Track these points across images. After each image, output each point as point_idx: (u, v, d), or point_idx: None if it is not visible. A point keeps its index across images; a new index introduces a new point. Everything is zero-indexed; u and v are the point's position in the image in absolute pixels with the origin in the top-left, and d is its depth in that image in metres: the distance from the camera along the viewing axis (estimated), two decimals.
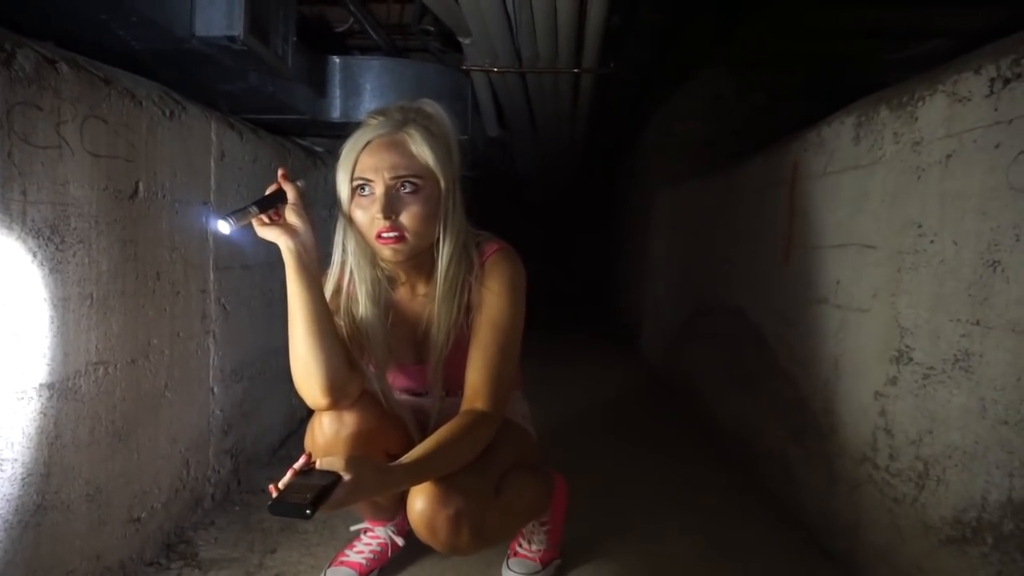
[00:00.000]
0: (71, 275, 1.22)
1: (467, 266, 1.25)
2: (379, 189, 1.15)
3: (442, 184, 1.19)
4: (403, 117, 1.20)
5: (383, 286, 1.28)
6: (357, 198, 1.17)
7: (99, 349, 1.31)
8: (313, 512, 0.89)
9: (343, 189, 1.18)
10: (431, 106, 1.25)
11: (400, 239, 1.16)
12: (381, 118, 1.20)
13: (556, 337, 4.99)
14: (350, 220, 1.19)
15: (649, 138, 4.60)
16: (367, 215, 1.16)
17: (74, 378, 1.24)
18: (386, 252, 1.18)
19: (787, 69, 3.73)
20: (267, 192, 1.12)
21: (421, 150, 1.17)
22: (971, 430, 1.19)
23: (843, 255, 1.65)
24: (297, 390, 1.19)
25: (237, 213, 1.06)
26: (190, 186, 1.62)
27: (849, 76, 3.42)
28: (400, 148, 1.17)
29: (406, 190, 1.16)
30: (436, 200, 1.19)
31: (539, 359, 3.89)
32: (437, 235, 1.21)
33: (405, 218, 1.16)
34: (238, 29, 1.66)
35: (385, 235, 1.15)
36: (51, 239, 1.17)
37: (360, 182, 1.16)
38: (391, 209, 1.14)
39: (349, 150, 1.18)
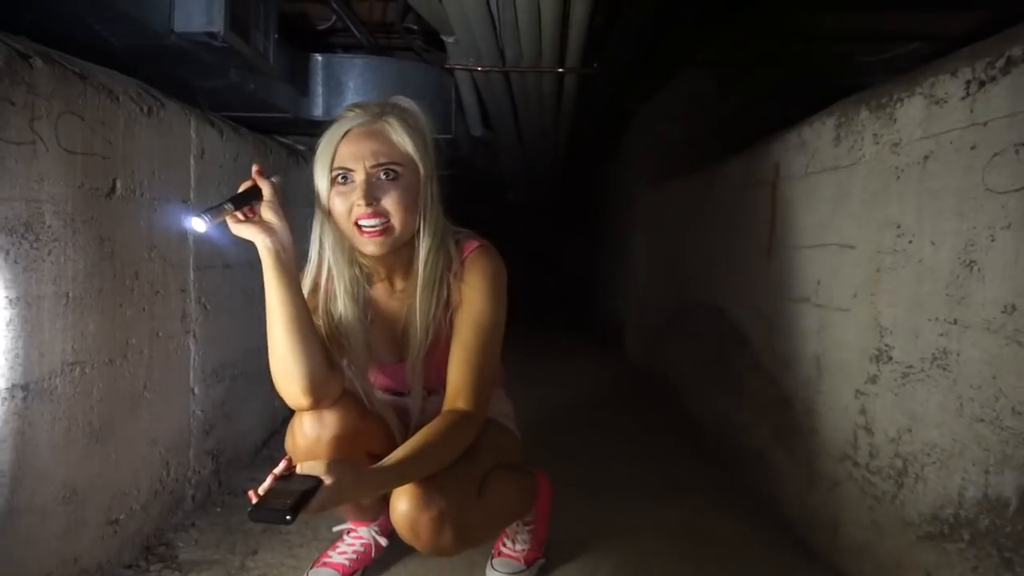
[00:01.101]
0: (46, 273, 1.20)
1: (446, 261, 1.24)
2: (359, 177, 1.14)
3: (421, 173, 1.19)
4: (380, 109, 1.20)
5: (361, 283, 1.27)
6: (336, 187, 1.16)
7: (75, 349, 1.29)
8: (294, 517, 0.88)
9: (322, 181, 1.16)
10: (406, 101, 1.25)
11: (384, 230, 1.15)
12: (358, 110, 1.19)
13: (539, 336, 4.99)
14: (328, 213, 1.18)
15: (632, 138, 4.61)
16: (347, 203, 1.15)
17: (49, 378, 1.22)
18: (369, 247, 1.16)
19: (768, 70, 3.76)
20: (241, 189, 1.11)
21: (400, 138, 1.17)
22: (948, 428, 1.20)
23: (824, 255, 1.66)
24: (277, 390, 1.17)
25: (212, 210, 1.04)
26: (169, 184, 1.60)
27: (829, 78, 3.45)
28: (380, 136, 1.16)
29: (387, 177, 1.15)
30: (416, 189, 1.18)
31: (522, 358, 3.89)
32: (417, 227, 1.20)
33: (387, 204, 1.15)
34: (218, 25, 1.64)
35: (367, 225, 1.14)
36: (25, 237, 1.15)
37: (339, 172, 1.15)
38: (372, 195, 1.13)
39: (327, 141, 1.17)
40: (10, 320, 1.13)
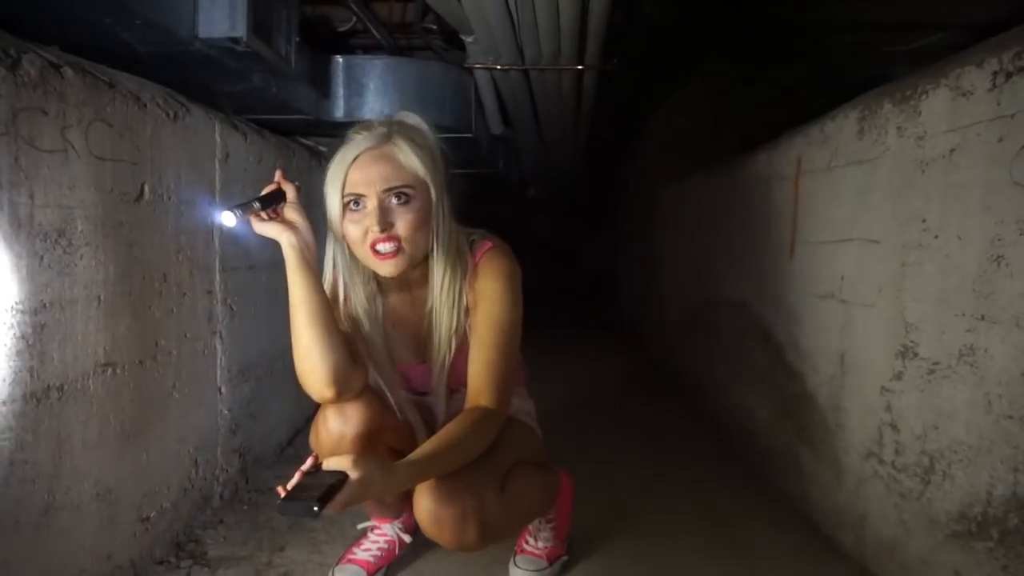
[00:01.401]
0: (79, 277, 1.23)
1: (462, 270, 1.26)
2: (372, 203, 1.15)
3: (432, 191, 1.20)
4: (387, 130, 1.20)
5: (378, 299, 1.30)
6: (349, 213, 1.17)
7: (107, 350, 1.32)
8: (321, 510, 0.90)
9: (334, 206, 1.17)
10: (412, 117, 1.26)
11: (397, 252, 1.16)
12: (365, 133, 1.20)
13: (558, 333, 4.99)
14: (342, 236, 1.20)
15: (652, 133, 4.59)
16: (361, 228, 1.16)
17: (83, 379, 1.25)
18: (384, 269, 1.18)
19: (789, 63, 3.72)
20: (265, 191, 1.14)
21: (409, 160, 1.18)
22: (976, 425, 1.19)
23: (848, 250, 1.65)
24: (301, 383, 1.20)
25: (242, 206, 1.09)
26: (195, 187, 1.63)
27: (852, 70, 3.41)
28: (389, 160, 1.17)
29: (399, 201, 1.16)
30: (428, 208, 1.19)
31: (541, 355, 3.89)
32: (431, 243, 1.21)
33: (400, 228, 1.16)
34: (241, 30, 1.67)
35: (381, 248, 1.15)
36: (58, 242, 1.18)
37: (351, 197, 1.16)
38: (386, 220, 1.15)
39: (337, 166, 1.17)
40: (45, 323, 1.16)
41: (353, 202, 1.17)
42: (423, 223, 1.18)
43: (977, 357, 1.19)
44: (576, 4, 2.15)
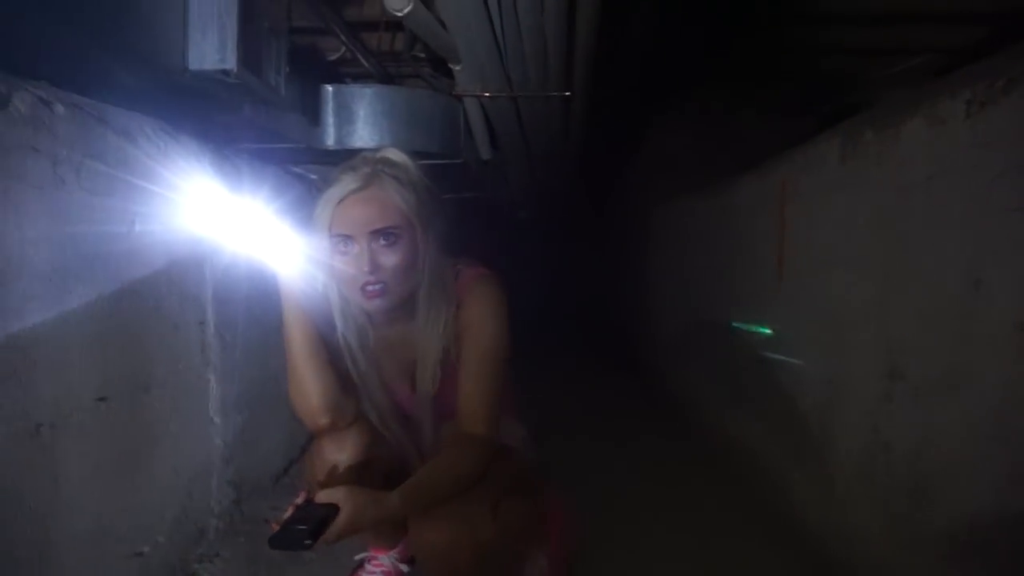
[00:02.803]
0: (70, 311, 1.24)
1: (448, 300, 1.27)
2: (359, 245, 1.16)
3: (418, 229, 1.21)
4: (372, 169, 1.20)
5: (369, 329, 1.30)
6: (337, 253, 1.18)
7: (100, 384, 1.32)
8: (313, 542, 0.91)
9: (322, 244, 1.18)
10: (396, 154, 1.27)
11: (384, 292, 1.17)
12: (351, 173, 1.20)
13: (550, 355, 4.99)
14: (329, 273, 1.21)
15: (642, 155, 4.64)
16: (349, 270, 1.17)
17: (76, 414, 1.25)
18: (371, 306, 1.19)
19: (776, 85, 3.78)
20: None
21: (395, 200, 1.18)
22: (964, 445, 1.20)
23: (834, 273, 1.67)
24: (295, 412, 1.22)
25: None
26: (186, 219, 1.64)
27: (838, 93, 3.47)
28: (376, 201, 1.17)
29: (385, 242, 1.17)
30: (414, 247, 1.20)
31: (533, 378, 3.90)
32: (418, 279, 1.22)
33: (387, 269, 1.17)
34: (231, 63, 1.69)
35: (369, 289, 1.16)
36: (51, 278, 1.19)
37: (339, 238, 1.17)
38: (375, 264, 1.16)
39: (323, 207, 1.18)
40: (37, 359, 1.16)
41: (341, 243, 1.17)
42: (410, 262, 1.19)
43: (962, 378, 1.21)
44: (561, 31, 2.18)
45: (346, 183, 1.18)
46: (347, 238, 1.17)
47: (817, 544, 1.73)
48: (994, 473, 1.13)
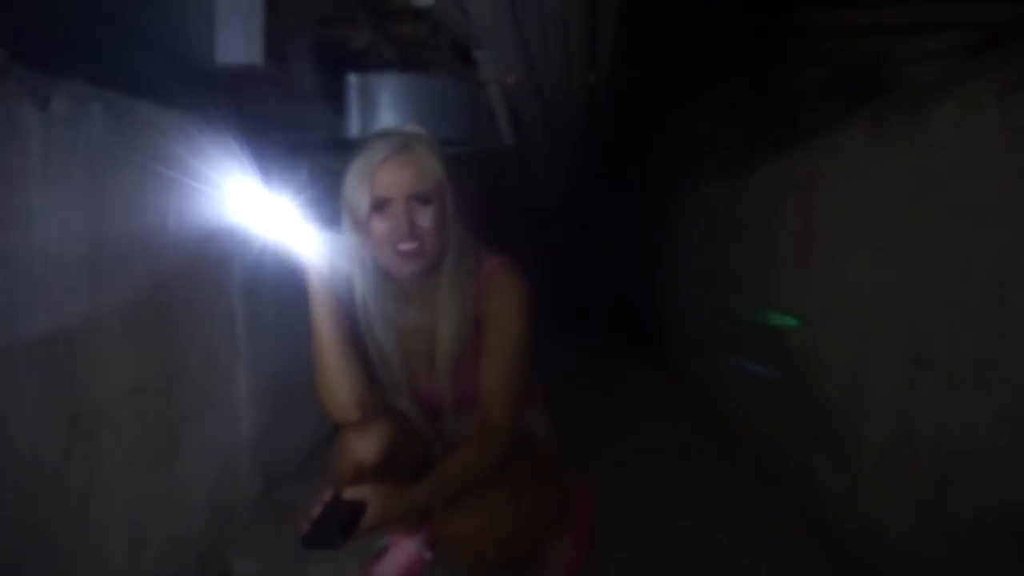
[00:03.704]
0: (107, 304, 1.27)
1: (470, 280, 1.29)
2: (399, 205, 1.19)
3: (447, 196, 1.24)
4: (405, 139, 1.23)
5: (394, 307, 1.33)
6: (375, 215, 1.21)
7: (135, 375, 1.36)
8: (344, 542, 0.94)
9: (360, 208, 1.20)
10: (422, 130, 1.31)
11: (420, 252, 1.20)
12: (383, 140, 1.23)
13: (574, 342, 5.00)
14: (364, 237, 1.22)
15: (667, 141, 4.60)
16: (386, 229, 1.20)
17: (113, 404, 1.29)
18: (407, 267, 1.21)
19: (803, 68, 3.71)
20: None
21: (430, 166, 1.22)
22: (990, 433, 1.19)
23: (861, 260, 1.65)
24: (323, 406, 1.24)
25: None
26: (217, 212, 1.67)
27: (866, 73, 3.40)
28: (413, 165, 1.21)
29: (422, 204, 1.20)
30: (444, 212, 1.24)
31: (558, 365, 3.91)
32: (444, 247, 1.25)
33: (422, 230, 1.20)
34: (257, 57, 1.71)
35: (406, 248, 1.19)
36: (88, 271, 1.22)
37: (379, 200, 1.20)
38: (413, 224, 1.19)
39: (363, 169, 1.20)
40: (76, 350, 1.20)
41: (379, 205, 1.20)
42: (441, 225, 1.23)
43: (989, 366, 1.19)
44: (584, 17, 2.17)
45: (381, 148, 1.21)
46: (386, 201, 1.19)
47: (842, 532, 1.72)
48: (1019, 461, 1.11)
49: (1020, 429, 1.12)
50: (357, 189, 1.20)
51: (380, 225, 1.20)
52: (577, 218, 8.28)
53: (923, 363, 1.38)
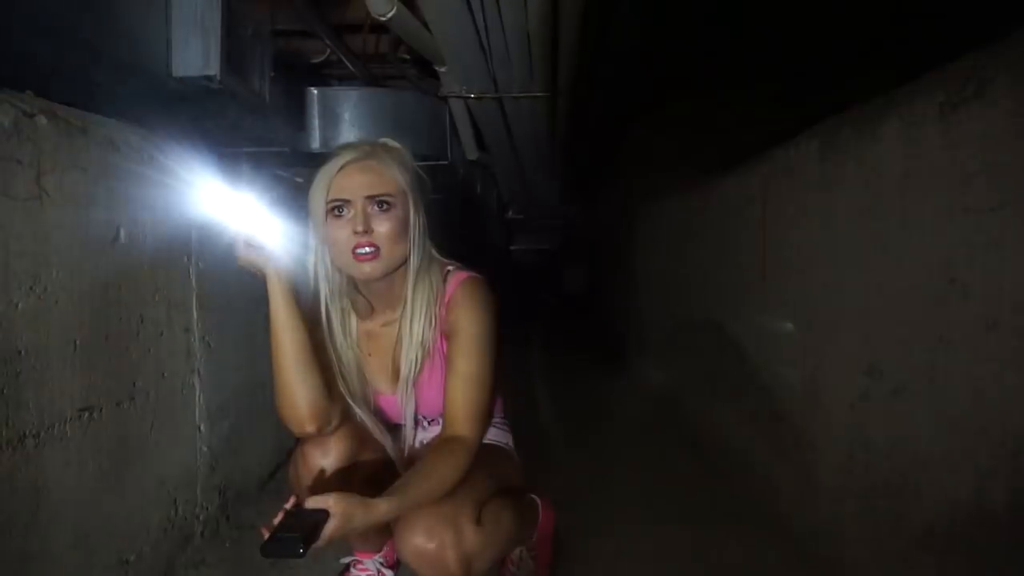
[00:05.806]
0: (54, 323, 1.24)
1: (436, 288, 1.29)
2: (355, 208, 1.19)
3: (411, 205, 1.24)
4: (371, 147, 1.25)
5: (352, 316, 1.33)
6: (332, 219, 1.21)
7: (84, 395, 1.32)
8: (306, 550, 0.92)
9: (318, 212, 1.21)
10: (393, 142, 1.31)
11: (375, 255, 1.20)
12: (350, 148, 1.25)
13: (539, 353, 5.01)
14: (324, 241, 1.23)
15: (628, 154, 4.66)
16: (343, 233, 1.20)
17: (60, 425, 1.25)
18: (364, 268, 1.21)
19: (759, 82, 3.80)
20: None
21: (392, 172, 1.23)
22: (939, 441, 1.22)
23: (815, 272, 1.69)
24: (281, 418, 1.22)
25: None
26: (172, 227, 1.64)
27: (820, 92, 3.49)
28: (373, 170, 1.22)
29: (380, 208, 1.20)
30: (406, 219, 1.24)
31: (523, 377, 3.91)
32: (407, 255, 1.25)
33: (380, 234, 1.20)
34: (215, 69, 1.69)
35: (361, 251, 1.19)
36: (33, 289, 1.19)
37: (336, 203, 1.20)
38: (367, 225, 1.19)
39: (324, 175, 1.21)
40: (20, 371, 1.16)
41: (337, 208, 1.21)
42: (401, 232, 1.22)
43: (937, 376, 1.23)
44: (545, 33, 2.19)
45: (345, 155, 1.23)
46: (343, 203, 1.20)
47: (801, 537, 1.75)
48: (970, 468, 1.15)
49: (968, 435, 1.15)
50: (318, 192, 1.21)
51: (338, 226, 1.21)
52: (544, 229, 8.33)
53: (875, 373, 1.42)
